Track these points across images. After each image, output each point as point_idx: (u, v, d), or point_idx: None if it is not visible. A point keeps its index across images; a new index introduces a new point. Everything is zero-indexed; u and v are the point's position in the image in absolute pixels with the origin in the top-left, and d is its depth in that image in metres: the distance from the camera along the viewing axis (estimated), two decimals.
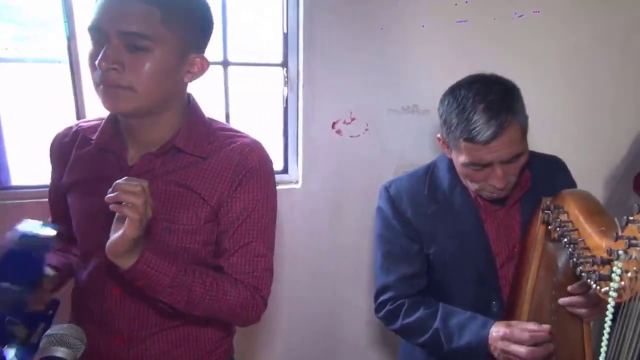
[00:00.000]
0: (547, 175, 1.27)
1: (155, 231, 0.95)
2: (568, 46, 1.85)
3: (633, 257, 0.77)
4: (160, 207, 0.96)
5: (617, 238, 0.79)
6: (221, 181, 0.98)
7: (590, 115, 1.94)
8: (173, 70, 0.91)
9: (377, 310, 1.30)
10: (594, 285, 0.89)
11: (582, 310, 1.08)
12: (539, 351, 1.04)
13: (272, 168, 1.04)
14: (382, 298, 1.27)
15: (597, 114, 1.95)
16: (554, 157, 1.35)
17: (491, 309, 1.22)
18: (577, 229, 1.00)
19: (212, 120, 1.06)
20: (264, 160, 1.02)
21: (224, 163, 0.98)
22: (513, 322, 1.09)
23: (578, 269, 0.95)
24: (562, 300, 1.09)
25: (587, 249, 0.95)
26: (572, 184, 1.31)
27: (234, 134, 1.04)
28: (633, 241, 0.77)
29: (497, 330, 1.09)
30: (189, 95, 1.04)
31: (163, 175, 0.97)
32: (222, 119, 1.71)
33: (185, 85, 0.99)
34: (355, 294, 1.90)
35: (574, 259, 0.96)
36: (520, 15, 1.75)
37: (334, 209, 1.82)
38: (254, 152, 1.00)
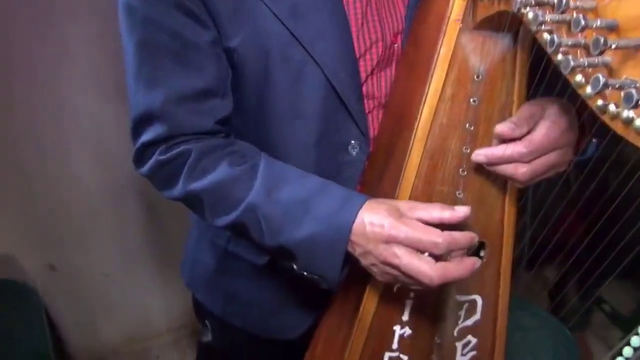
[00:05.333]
0: None
1: None
2: None
3: None
4: None
5: None
6: None
7: None
8: None
9: (138, 160, 0.69)
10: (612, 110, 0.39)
11: (519, 172, 0.58)
12: (454, 269, 0.53)
13: None
14: (144, 137, 0.66)
15: None
16: None
17: (348, 151, 0.70)
18: None
19: None
20: None
21: None
22: (401, 204, 0.58)
23: (566, 61, 0.42)
24: (478, 155, 0.60)
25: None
26: None
27: None
28: None
29: (373, 218, 0.56)
30: None
31: None
32: None
33: None
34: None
35: (550, 35, 0.43)
36: None
37: None
38: None
